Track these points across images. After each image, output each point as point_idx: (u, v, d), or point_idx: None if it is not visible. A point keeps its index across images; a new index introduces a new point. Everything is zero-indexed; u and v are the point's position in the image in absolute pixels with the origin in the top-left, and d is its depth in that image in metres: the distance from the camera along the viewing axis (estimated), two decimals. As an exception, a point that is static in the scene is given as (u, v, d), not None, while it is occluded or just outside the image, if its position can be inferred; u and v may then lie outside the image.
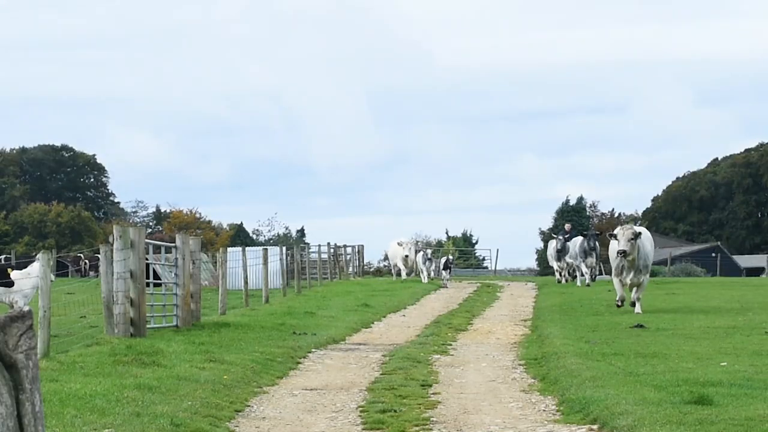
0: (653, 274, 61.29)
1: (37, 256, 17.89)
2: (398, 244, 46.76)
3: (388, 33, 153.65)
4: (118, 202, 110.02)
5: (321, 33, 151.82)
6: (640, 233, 23.75)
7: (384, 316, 27.06)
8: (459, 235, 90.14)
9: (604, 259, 41.54)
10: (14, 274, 24.00)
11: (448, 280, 42.90)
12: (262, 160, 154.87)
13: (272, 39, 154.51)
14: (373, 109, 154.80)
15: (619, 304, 24.34)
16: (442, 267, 44.13)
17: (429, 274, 44.58)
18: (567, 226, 43.94)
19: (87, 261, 61.46)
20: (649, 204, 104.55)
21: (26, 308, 4.01)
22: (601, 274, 44.08)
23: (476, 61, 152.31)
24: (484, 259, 75.63)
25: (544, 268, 79.49)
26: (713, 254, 73.69)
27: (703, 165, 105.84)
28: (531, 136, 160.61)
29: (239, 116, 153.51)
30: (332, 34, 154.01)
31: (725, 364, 14.52)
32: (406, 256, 45.96)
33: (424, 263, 44.77)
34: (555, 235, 42.34)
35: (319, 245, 48.75)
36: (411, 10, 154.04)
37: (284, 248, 41.38)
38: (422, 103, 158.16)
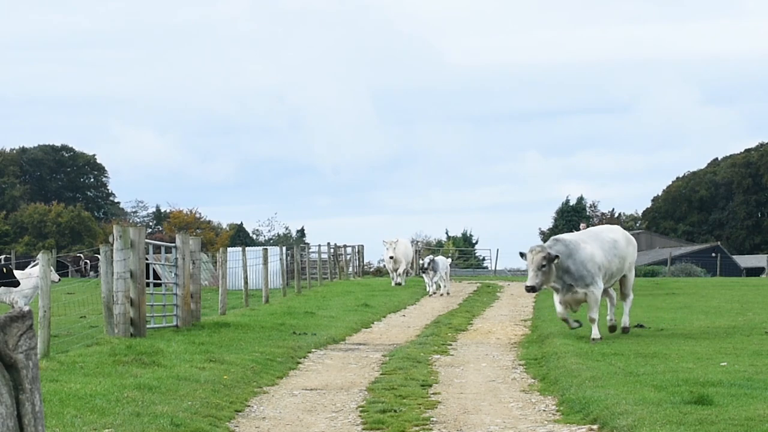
0: (654, 274, 61.52)
1: (37, 257, 17.89)
2: (383, 242, 40.74)
3: (392, 32, 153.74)
4: (118, 202, 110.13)
5: (325, 32, 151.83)
6: (555, 258, 18.60)
7: (384, 316, 27.06)
8: (459, 235, 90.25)
9: None
10: (15, 274, 24.00)
11: (441, 287, 35.48)
12: (265, 160, 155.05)
13: (276, 37, 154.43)
14: (376, 109, 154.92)
15: (571, 325, 19.46)
16: (425, 267, 36.05)
17: (439, 286, 35.83)
18: (582, 226, 37.56)
19: (87, 261, 61.48)
20: (649, 204, 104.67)
21: (26, 308, 4.01)
22: None
23: (480, 60, 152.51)
24: (484, 259, 75.70)
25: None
26: (713, 254, 73.73)
27: (703, 165, 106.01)
28: (531, 135, 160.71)
29: (242, 115, 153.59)
30: (336, 32, 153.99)
31: (725, 364, 14.52)
32: (391, 257, 39.39)
33: (425, 271, 36.24)
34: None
35: (319, 245, 48.74)
36: (415, 10, 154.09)
37: (284, 248, 41.37)
38: (425, 102, 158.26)
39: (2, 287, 23.36)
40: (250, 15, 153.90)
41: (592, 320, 18.82)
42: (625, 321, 20.08)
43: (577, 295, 19.01)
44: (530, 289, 18.76)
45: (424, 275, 36.24)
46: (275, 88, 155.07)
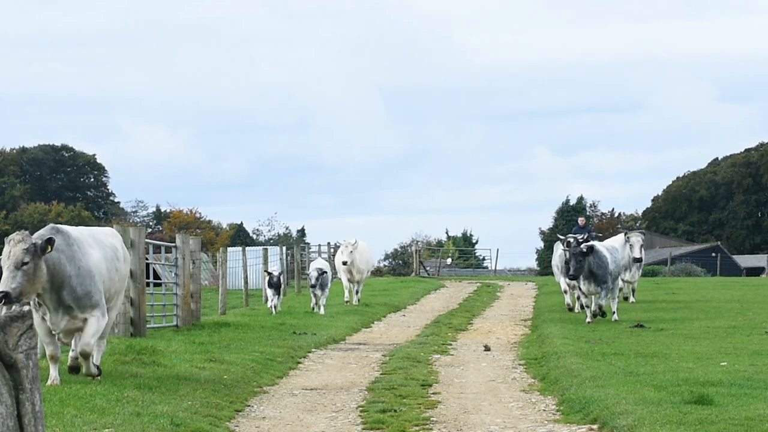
0: (654, 274, 61.48)
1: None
2: (340, 243, 32.92)
3: (400, 31, 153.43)
4: (118, 202, 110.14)
5: (334, 30, 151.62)
6: (46, 247, 11.99)
7: (384, 316, 27.06)
8: (459, 235, 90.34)
9: None
10: None
11: (275, 306, 26.19)
12: (266, 160, 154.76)
13: (285, 35, 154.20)
14: (379, 108, 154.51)
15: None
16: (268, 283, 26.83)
17: (274, 305, 26.19)
18: (581, 221, 32.56)
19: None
20: (649, 204, 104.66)
21: (26, 308, 4.01)
22: None
23: (486, 59, 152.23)
24: (484, 259, 75.75)
25: (544, 268, 79.59)
26: (713, 254, 73.72)
27: (703, 165, 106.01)
28: (532, 135, 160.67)
29: (247, 114, 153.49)
30: (345, 31, 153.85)
31: (725, 364, 14.53)
32: (344, 262, 29.59)
33: (272, 286, 26.49)
34: (561, 237, 26.25)
35: (319, 245, 48.83)
36: (423, 9, 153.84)
37: (284, 248, 41.38)
38: (428, 101, 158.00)
39: None
40: (258, 12, 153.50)
41: (85, 354, 12.81)
42: (92, 369, 13.04)
43: (76, 323, 12.64)
44: (3, 296, 11.73)
45: (312, 291, 26.89)
46: (283, 86, 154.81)
